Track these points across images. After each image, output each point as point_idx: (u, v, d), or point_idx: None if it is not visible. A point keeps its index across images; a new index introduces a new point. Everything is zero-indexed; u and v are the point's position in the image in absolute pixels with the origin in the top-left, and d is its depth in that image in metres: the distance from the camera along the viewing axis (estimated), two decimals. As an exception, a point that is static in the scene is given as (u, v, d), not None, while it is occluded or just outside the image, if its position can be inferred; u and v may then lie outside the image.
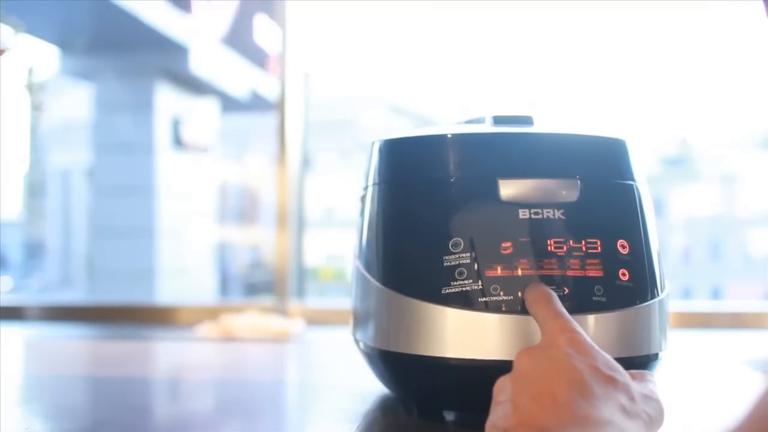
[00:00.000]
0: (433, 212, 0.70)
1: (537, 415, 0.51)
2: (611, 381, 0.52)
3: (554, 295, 0.63)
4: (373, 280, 0.74)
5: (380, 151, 0.78)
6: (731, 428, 0.32)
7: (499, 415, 0.55)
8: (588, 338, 0.57)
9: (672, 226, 12.88)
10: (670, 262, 12.34)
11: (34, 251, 8.21)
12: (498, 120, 0.75)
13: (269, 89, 5.69)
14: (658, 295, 0.71)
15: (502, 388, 0.57)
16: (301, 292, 2.13)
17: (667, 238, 12.58)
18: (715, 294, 11.88)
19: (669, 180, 12.76)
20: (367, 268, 0.76)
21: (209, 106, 6.18)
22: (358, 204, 0.82)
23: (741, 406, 0.32)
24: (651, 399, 0.54)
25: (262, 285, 6.57)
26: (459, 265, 0.67)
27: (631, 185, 0.72)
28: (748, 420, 0.31)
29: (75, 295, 6.80)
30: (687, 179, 13.17)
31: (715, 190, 13.34)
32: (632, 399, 0.51)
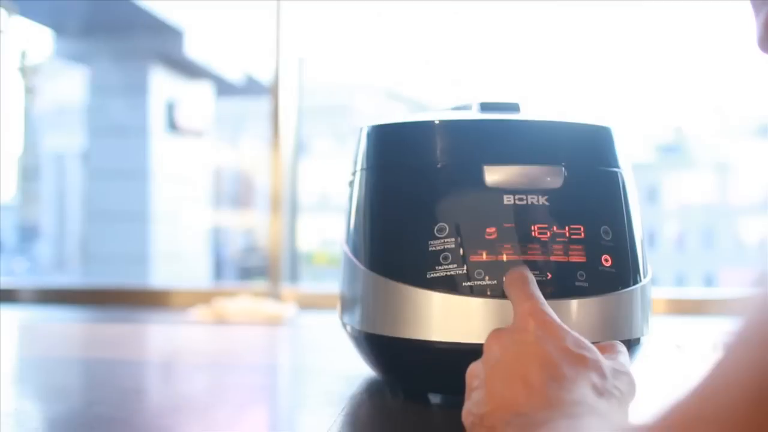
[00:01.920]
0: (419, 197, 0.71)
1: (511, 399, 0.52)
2: (581, 360, 0.53)
3: (530, 277, 0.63)
4: (359, 264, 0.75)
5: (368, 136, 0.78)
6: (680, 402, 0.32)
7: (474, 401, 0.56)
8: (557, 319, 0.57)
9: (666, 214, 12.89)
10: (663, 249, 12.37)
11: (28, 234, 8.19)
12: (485, 107, 0.76)
13: (264, 73, 5.67)
14: (640, 280, 0.72)
15: (475, 373, 0.58)
16: (294, 277, 2.14)
17: (660, 226, 12.59)
18: (708, 281, 11.91)
19: (663, 167, 12.76)
20: (355, 252, 0.77)
21: (204, 90, 6.16)
22: (347, 189, 0.83)
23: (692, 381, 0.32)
24: (622, 373, 0.54)
25: (257, 269, 6.58)
26: (444, 250, 0.68)
27: (616, 172, 0.73)
28: (698, 393, 0.31)
29: (69, 279, 6.80)
30: (681, 167, 13.18)
31: (709, 178, 13.35)
32: (603, 376, 0.52)
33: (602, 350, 0.56)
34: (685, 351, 1.16)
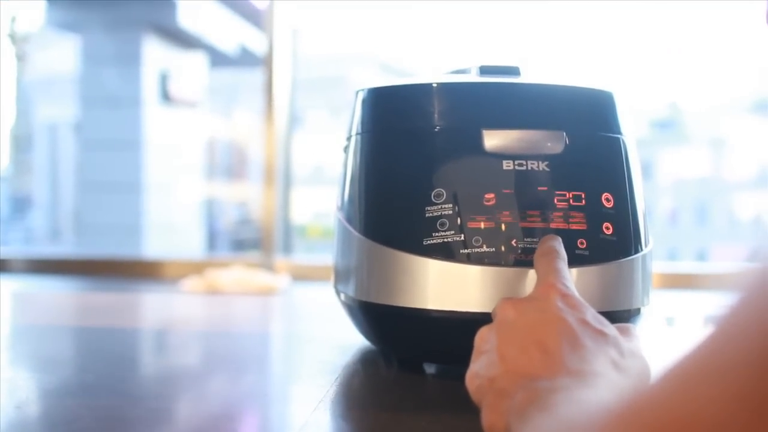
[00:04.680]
0: (416, 162, 0.69)
1: (525, 364, 0.50)
2: (601, 334, 0.51)
3: (562, 253, 0.61)
4: (354, 231, 0.73)
5: (364, 100, 0.76)
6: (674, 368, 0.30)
7: (482, 364, 0.53)
8: (579, 297, 0.56)
9: (660, 189, 12.90)
10: (656, 224, 12.39)
11: (21, 205, 8.16)
12: (484, 70, 0.74)
13: (258, 44, 5.62)
14: (641, 249, 0.70)
15: (486, 337, 0.55)
16: (287, 248, 2.13)
17: (654, 201, 12.60)
18: (701, 256, 11.94)
19: (658, 143, 12.75)
20: (349, 219, 0.75)
21: (197, 60, 6.11)
22: (341, 155, 0.81)
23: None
24: (637, 356, 0.52)
25: (250, 242, 6.56)
26: (441, 216, 0.66)
27: (618, 138, 0.71)
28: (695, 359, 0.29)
29: (62, 249, 6.77)
30: (676, 142, 13.17)
31: (703, 154, 13.36)
32: (621, 354, 0.50)
33: (618, 331, 0.54)
34: (675, 325, 1.16)
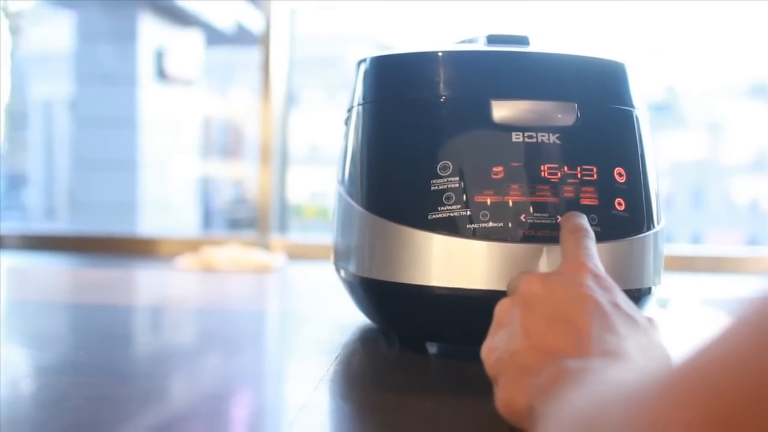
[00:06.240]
0: (421, 133, 0.66)
1: (552, 341, 0.47)
2: (632, 320, 0.48)
3: (591, 232, 0.58)
4: (356, 205, 0.71)
5: (367, 70, 0.73)
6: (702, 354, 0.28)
7: (503, 337, 0.51)
8: (609, 278, 0.53)
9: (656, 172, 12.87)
10: (653, 208, 12.34)
11: (15, 183, 8.13)
12: (492, 39, 0.71)
13: (256, 23, 5.57)
14: (654, 227, 0.68)
15: (508, 310, 0.53)
16: (283, 227, 2.10)
17: (651, 184, 12.56)
18: (696, 240, 11.93)
19: (655, 126, 12.71)
20: (350, 192, 0.72)
21: (194, 38, 6.06)
22: (342, 127, 0.78)
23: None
24: (662, 347, 0.50)
25: (246, 221, 6.53)
26: (447, 190, 0.64)
27: (630, 111, 0.69)
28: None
29: (57, 227, 6.75)
30: (673, 126, 13.15)
31: (700, 138, 13.34)
32: (651, 343, 0.48)
33: None
34: (668, 307, 1.14)
